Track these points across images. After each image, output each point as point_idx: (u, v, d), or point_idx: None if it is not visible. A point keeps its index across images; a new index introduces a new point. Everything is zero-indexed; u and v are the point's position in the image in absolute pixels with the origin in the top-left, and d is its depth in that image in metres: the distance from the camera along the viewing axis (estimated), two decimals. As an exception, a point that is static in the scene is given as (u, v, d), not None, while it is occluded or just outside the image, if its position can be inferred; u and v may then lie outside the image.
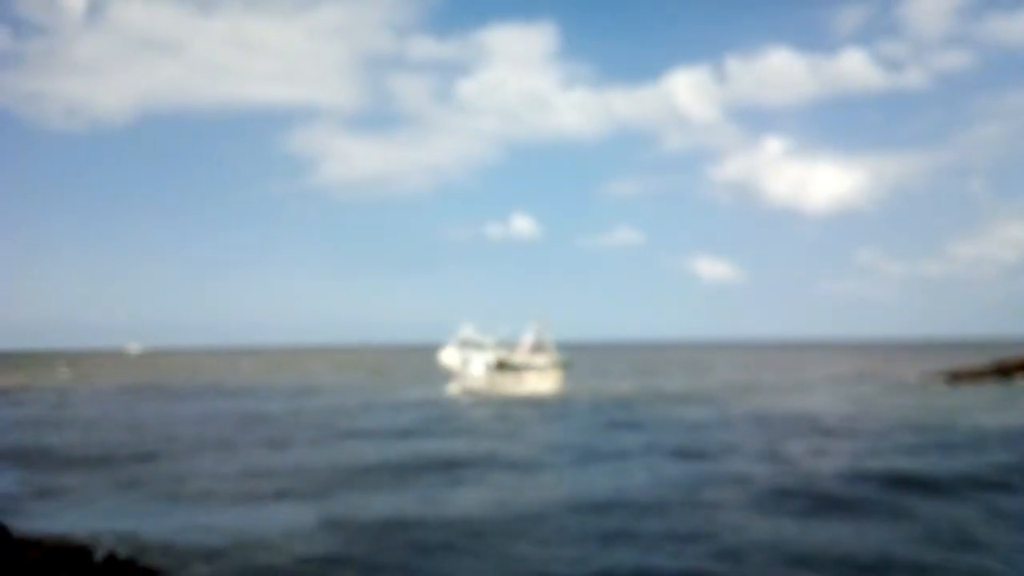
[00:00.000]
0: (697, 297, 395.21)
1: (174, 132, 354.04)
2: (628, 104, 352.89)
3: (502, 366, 67.70)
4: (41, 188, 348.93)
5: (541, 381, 66.54)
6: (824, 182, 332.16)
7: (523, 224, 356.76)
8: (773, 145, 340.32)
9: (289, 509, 22.87)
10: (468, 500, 23.90)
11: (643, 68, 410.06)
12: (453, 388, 67.87)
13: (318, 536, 19.58)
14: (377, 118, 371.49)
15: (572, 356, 74.49)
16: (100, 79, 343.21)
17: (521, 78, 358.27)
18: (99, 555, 16.06)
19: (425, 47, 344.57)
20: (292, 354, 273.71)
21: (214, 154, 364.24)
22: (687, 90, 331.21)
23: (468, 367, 69.48)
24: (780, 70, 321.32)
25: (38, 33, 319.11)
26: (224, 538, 19.12)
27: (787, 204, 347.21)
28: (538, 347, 69.34)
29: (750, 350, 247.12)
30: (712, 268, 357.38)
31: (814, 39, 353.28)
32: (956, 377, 76.97)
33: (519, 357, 68.45)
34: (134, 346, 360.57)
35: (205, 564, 17.01)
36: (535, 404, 54.85)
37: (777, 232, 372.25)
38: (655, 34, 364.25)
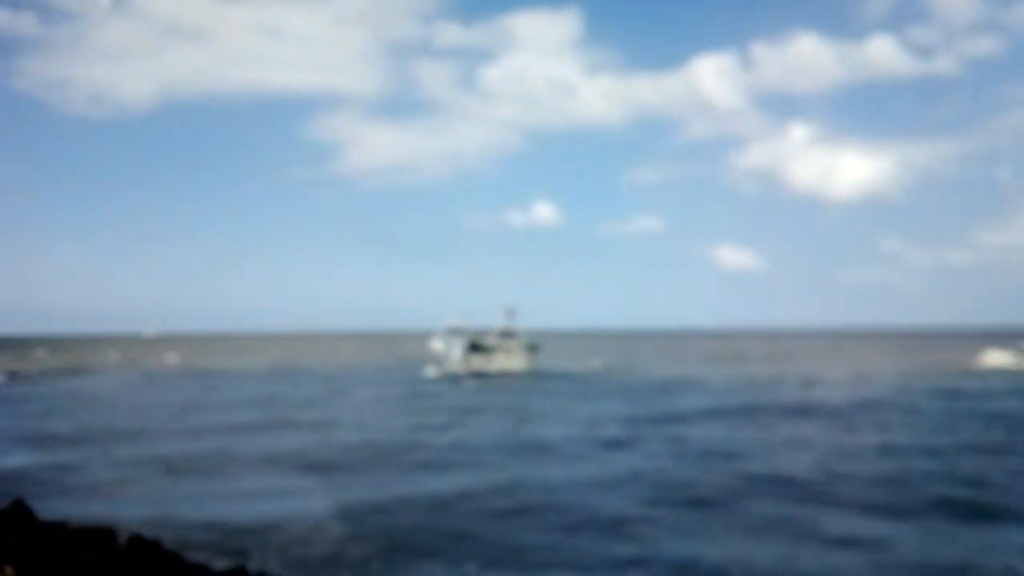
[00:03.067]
0: (718, 285, 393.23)
1: (198, 118, 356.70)
2: (652, 91, 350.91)
3: (475, 348, 77.68)
4: (65, 173, 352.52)
5: (508, 360, 76.34)
6: (850, 169, 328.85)
7: (545, 211, 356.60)
8: (799, 132, 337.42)
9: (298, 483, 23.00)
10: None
11: (668, 54, 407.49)
12: (431, 371, 76.06)
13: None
14: (400, 105, 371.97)
15: (541, 341, 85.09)
16: (125, 65, 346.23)
17: (545, 65, 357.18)
18: (124, 538, 16.12)
19: (451, 34, 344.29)
20: (314, 340, 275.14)
21: (237, 140, 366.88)
22: (712, 76, 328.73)
23: (450, 352, 78.53)
24: (807, 56, 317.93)
25: (65, 19, 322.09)
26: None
27: (812, 192, 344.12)
28: (507, 333, 79.10)
29: (773, 339, 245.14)
30: (734, 256, 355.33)
31: (842, 25, 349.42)
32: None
33: (490, 340, 78.38)
34: (148, 331, 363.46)
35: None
36: (489, 377, 66.25)
37: (801, 220, 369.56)
38: (681, 20, 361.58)
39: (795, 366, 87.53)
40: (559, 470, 26.65)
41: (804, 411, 43.18)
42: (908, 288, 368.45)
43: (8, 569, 12.52)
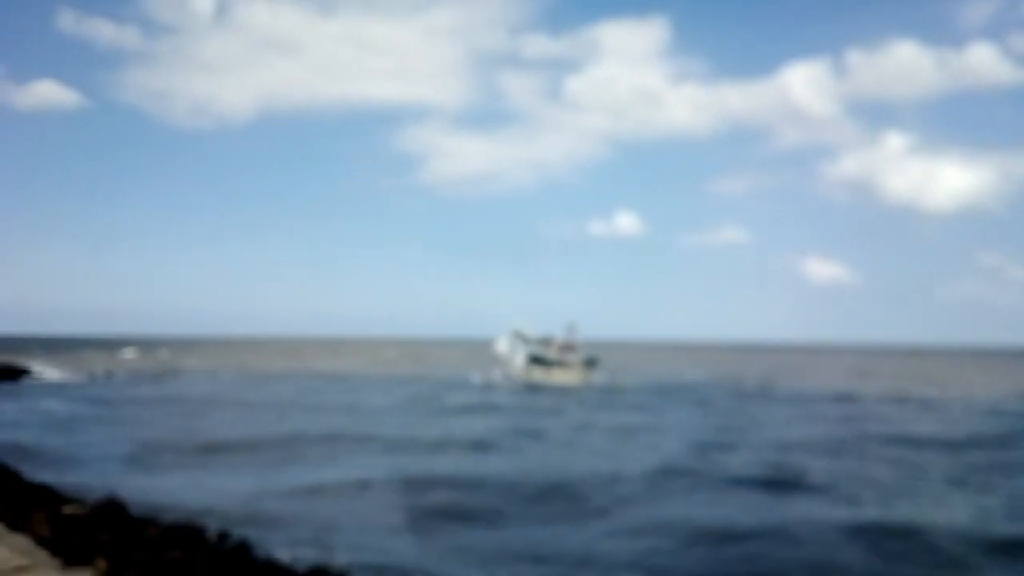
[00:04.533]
0: (806, 299, 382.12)
1: (292, 129, 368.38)
2: (741, 99, 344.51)
3: (537, 361, 79.62)
4: (169, 183, 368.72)
5: (565, 375, 78.29)
6: (948, 180, 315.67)
7: (627, 221, 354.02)
8: (894, 141, 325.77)
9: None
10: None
11: (758, 62, 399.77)
12: (497, 374, 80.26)
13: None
14: (486, 115, 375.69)
15: (600, 355, 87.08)
16: (224, 78, 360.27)
17: (631, 74, 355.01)
18: (211, 534, 16.46)
19: (538, 45, 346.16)
20: (398, 345, 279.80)
21: (328, 151, 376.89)
22: (804, 84, 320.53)
23: (514, 357, 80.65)
24: (904, 63, 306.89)
25: (168, 33, 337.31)
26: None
27: (908, 203, 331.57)
28: (568, 346, 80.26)
29: (865, 355, 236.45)
30: (824, 269, 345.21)
31: (940, 32, 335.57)
32: None
33: (551, 354, 79.76)
34: (238, 333, 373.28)
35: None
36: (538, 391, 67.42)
37: (896, 232, 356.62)
38: (772, 27, 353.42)
39: (938, 387, 79.40)
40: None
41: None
42: (1009, 304, 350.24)
43: (101, 562, 12.85)
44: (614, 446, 33.91)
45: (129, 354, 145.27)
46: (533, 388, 71.62)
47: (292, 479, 25.47)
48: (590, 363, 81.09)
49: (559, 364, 79.28)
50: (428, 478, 25.13)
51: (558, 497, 22.75)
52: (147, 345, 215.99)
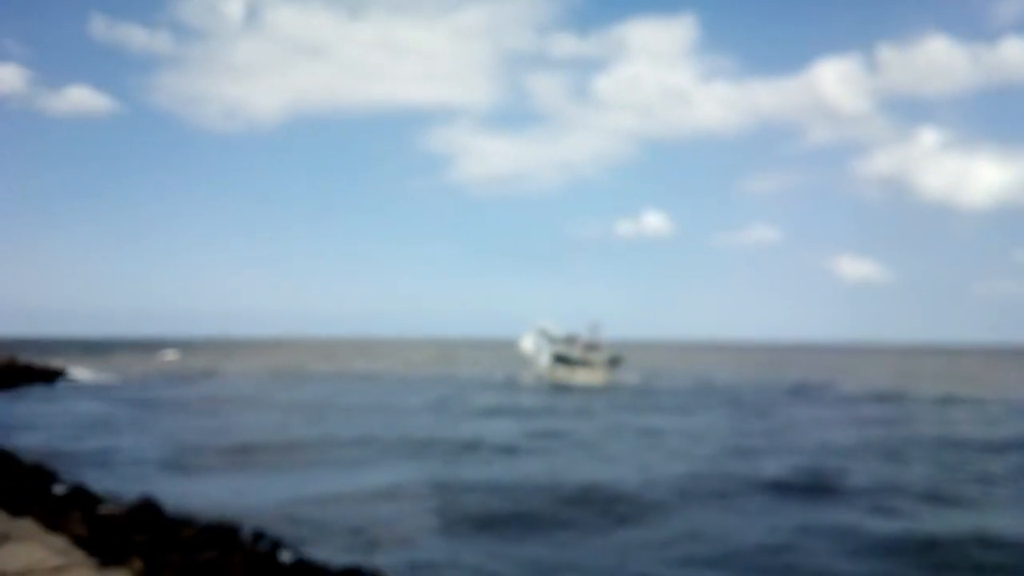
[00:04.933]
0: (839, 298, 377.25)
1: (321, 131, 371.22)
2: (771, 96, 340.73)
3: (561, 360, 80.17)
4: (202, 187, 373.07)
5: (589, 374, 77.86)
6: (984, 176, 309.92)
7: (655, 221, 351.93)
8: (928, 137, 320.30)
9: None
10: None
11: (788, 59, 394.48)
12: (524, 375, 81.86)
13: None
14: (513, 116, 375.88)
15: (624, 354, 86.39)
16: (255, 81, 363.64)
17: (659, 72, 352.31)
18: (246, 534, 16.39)
19: (566, 44, 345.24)
20: (426, 345, 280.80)
21: (357, 152, 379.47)
22: (835, 80, 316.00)
23: (539, 357, 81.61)
24: (937, 59, 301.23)
25: (199, 37, 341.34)
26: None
27: (942, 200, 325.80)
28: (592, 345, 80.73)
29: (899, 354, 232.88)
30: (856, 267, 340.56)
31: (974, 26, 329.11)
32: None
33: (575, 352, 80.00)
34: (264, 335, 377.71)
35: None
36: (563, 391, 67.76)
37: (930, 229, 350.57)
38: (802, 23, 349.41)
39: (978, 386, 75.67)
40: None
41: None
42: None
43: (136, 562, 12.78)
44: (644, 450, 33.25)
45: (169, 356, 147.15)
46: (558, 388, 71.75)
47: (325, 482, 25.44)
48: (614, 362, 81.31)
49: (583, 363, 79.42)
50: (459, 483, 24.88)
51: (590, 504, 22.22)
52: (186, 347, 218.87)
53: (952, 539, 18.77)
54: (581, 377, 77.56)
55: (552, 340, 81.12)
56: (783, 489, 24.55)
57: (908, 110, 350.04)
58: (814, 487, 24.93)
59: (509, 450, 32.77)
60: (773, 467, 28.17)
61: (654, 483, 25.22)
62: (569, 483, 24.87)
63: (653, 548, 18.14)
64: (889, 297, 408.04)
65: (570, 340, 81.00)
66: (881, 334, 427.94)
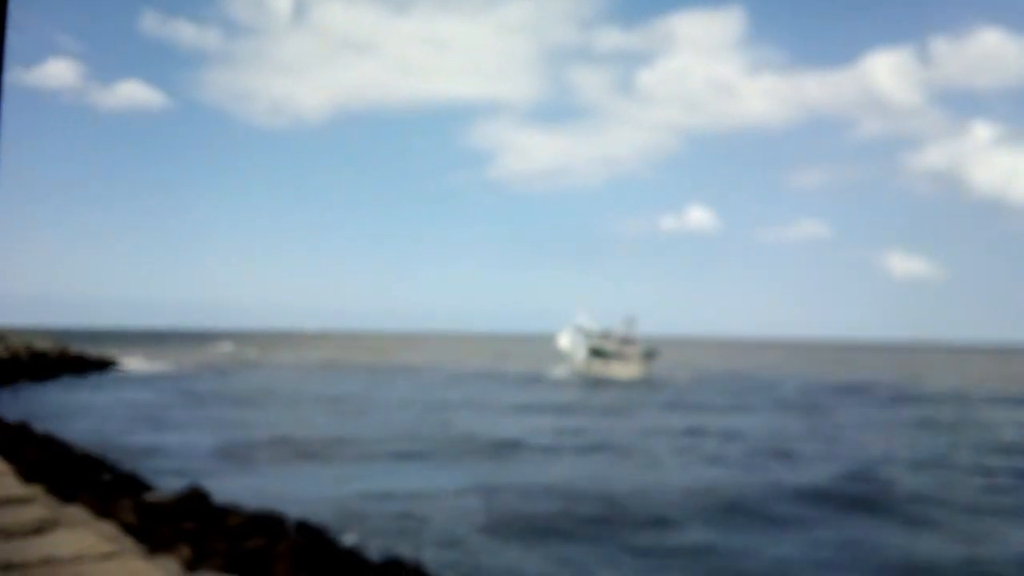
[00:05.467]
0: (888, 295, 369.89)
1: (366, 128, 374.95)
2: (820, 89, 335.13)
3: (596, 353, 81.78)
4: (249, 181, 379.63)
5: (623, 368, 79.41)
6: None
7: (700, 216, 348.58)
8: (981, 131, 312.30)
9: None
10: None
11: (838, 51, 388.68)
12: (561, 370, 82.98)
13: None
14: (556, 111, 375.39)
15: (658, 347, 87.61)
16: (302, 77, 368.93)
17: (705, 66, 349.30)
18: (290, 523, 16.51)
19: (610, 38, 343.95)
20: (469, 340, 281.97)
21: (401, 148, 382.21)
22: (887, 73, 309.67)
23: (575, 352, 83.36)
24: (992, 51, 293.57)
25: (248, 34, 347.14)
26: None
27: (995, 195, 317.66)
28: (627, 339, 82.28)
29: (951, 353, 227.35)
30: (906, 264, 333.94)
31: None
32: None
33: (610, 346, 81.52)
34: (310, 328, 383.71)
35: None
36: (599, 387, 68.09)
37: (983, 225, 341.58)
38: (853, 15, 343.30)
39: None
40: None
41: None
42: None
43: (184, 549, 12.91)
44: (682, 454, 32.04)
45: (225, 347, 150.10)
46: (594, 382, 72.24)
47: (368, 479, 25.51)
48: (649, 355, 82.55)
49: (618, 356, 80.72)
50: (501, 484, 24.49)
51: (630, 513, 21.37)
52: (241, 339, 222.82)
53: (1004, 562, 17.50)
54: (616, 370, 78.87)
55: (588, 335, 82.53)
56: (826, 499, 23.46)
57: (961, 103, 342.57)
58: (861, 498, 23.74)
59: (549, 450, 32.42)
60: (815, 474, 27.10)
61: (690, 491, 24.39)
62: (608, 489, 24.32)
63: (686, 559, 17.62)
64: (940, 295, 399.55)
65: (605, 335, 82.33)
66: (932, 333, 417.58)
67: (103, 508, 14.71)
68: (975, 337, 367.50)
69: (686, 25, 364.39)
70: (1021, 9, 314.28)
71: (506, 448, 32.37)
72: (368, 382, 69.83)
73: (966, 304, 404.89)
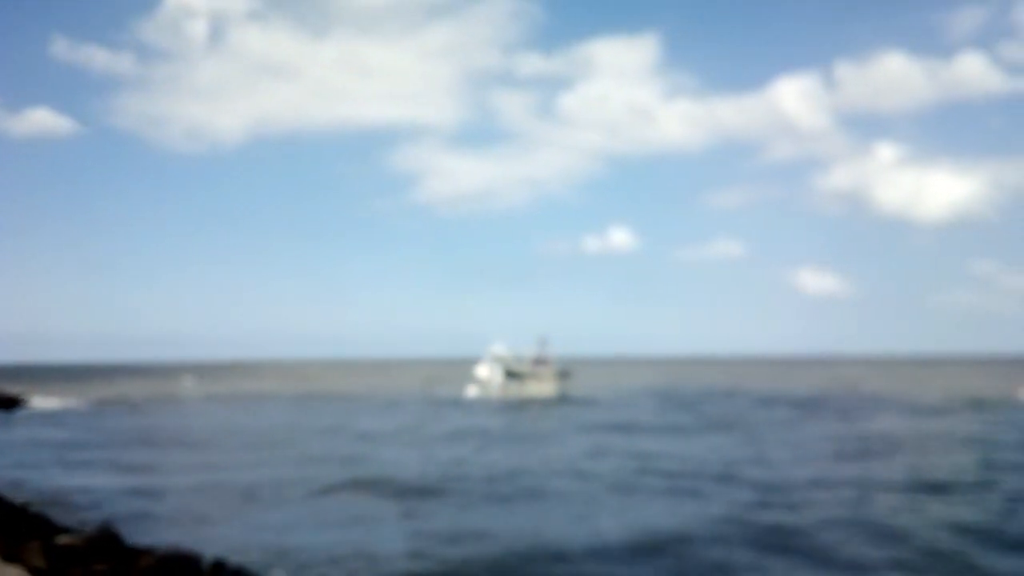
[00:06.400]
0: (801, 311, 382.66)
1: (286, 152, 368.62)
2: (732, 114, 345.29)
3: (511, 374, 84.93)
4: (164, 207, 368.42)
5: (539, 386, 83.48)
6: (940, 190, 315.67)
7: (621, 237, 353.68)
8: (885, 152, 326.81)
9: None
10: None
11: (749, 76, 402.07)
12: (472, 392, 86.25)
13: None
14: (480, 134, 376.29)
15: (570, 367, 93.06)
16: (219, 102, 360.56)
17: (624, 90, 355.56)
18: (206, 562, 16.57)
19: (531, 63, 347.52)
20: (394, 366, 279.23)
21: (323, 173, 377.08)
22: (795, 97, 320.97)
23: (493, 379, 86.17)
24: (894, 75, 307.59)
25: (163, 58, 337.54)
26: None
27: (899, 214, 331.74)
28: (540, 360, 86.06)
29: (860, 366, 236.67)
30: (817, 281, 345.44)
31: (929, 43, 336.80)
32: None
33: (524, 367, 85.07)
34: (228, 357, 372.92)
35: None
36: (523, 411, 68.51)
37: (888, 243, 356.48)
38: (761, 42, 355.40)
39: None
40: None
41: None
42: (1002, 313, 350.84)
43: (96, 592, 12.95)
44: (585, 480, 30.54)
45: (187, 381, 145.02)
46: (514, 405, 73.82)
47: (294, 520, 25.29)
48: (563, 375, 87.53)
49: (532, 376, 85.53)
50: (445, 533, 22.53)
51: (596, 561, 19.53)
52: (132, 372, 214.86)
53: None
54: (531, 390, 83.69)
55: (504, 362, 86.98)
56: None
57: (866, 126, 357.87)
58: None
59: (490, 491, 29.16)
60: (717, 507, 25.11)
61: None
62: (563, 541, 21.36)
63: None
64: (849, 309, 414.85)
65: (518, 358, 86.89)
66: (841, 346, 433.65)
67: (11, 551, 14.58)
68: (883, 349, 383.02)
69: (604, 51, 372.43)
70: (923, 33, 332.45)
71: (448, 489, 29.27)
72: (286, 414, 68.70)
73: (873, 318, 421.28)
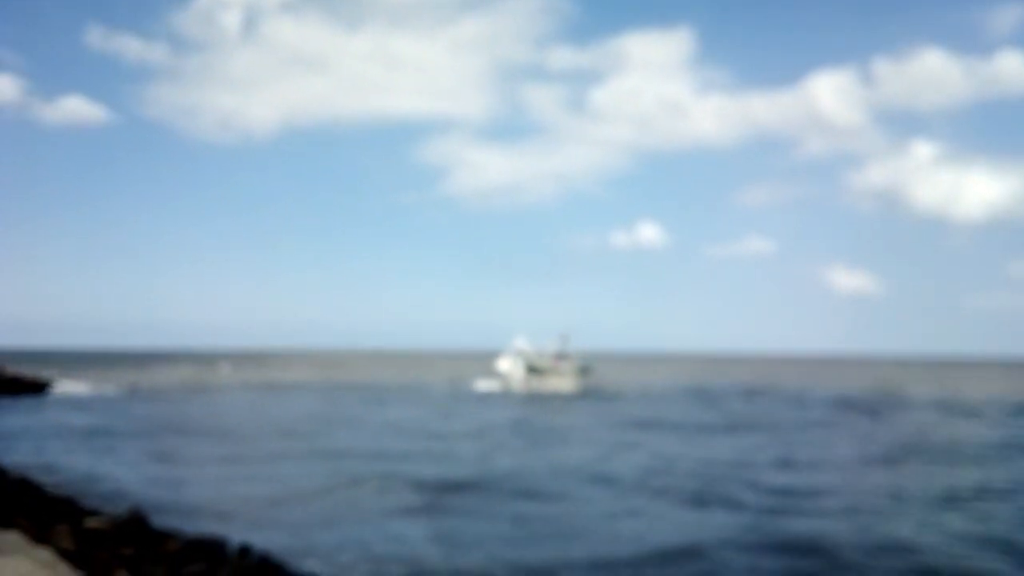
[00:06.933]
0: (832, 310, 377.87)
1: (316, 144, 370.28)
2: (766, 109, 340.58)
3: (532, 370, 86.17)
4: (196, 197, 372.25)
5: (559, 381, 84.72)
6: (977, 189, 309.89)
7: (650, 233, 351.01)
8: (922, 150, 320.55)
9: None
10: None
11: (784, 72, 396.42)
12: (489, 384, 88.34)
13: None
14: (509, 128, 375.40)
15: (595, 363, 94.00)
16: (251, 93, 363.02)
17: (656, 85, 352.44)
18: (232, 548, 16.46)
19: (563, 57, 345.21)
20: (419, 358, 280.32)
21: (353, 165, 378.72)
22: (830, 93, 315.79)
23: (514, 372, 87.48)
24: (932, 72, 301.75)
25: (196, 49, 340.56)
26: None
27: (936, 213, 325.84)
28: (561, 355, 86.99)
29: (891, 366, 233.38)
30: (849, 279, 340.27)
31: (968, 40, 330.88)
32: None
33: (544, 363, 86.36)
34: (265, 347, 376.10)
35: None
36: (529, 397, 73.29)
37: (923, 242, 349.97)
38: (797, 37, 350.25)
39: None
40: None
41: None
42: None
43: (122, 574, 12.87)
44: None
45: (224, 369, 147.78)
46: (534, 399, 74.06)
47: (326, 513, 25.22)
48: (584, 371, 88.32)
49: (553, 371, 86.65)
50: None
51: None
52: (191, 359, 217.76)
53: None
54: (552, 384, 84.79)
55: (525, 356, 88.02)
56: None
57: (902, 123, 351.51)
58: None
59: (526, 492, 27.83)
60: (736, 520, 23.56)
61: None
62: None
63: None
64: (882, 309, 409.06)
65: (540, 353, 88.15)
66: (874, 346, 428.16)
67: (40, 534, 14.56)
68: (915, 350, 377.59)
69: (637, 45, 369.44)
70: (962, 30, 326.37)
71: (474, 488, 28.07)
72: (315, 404, 69.10)
73: (907, 318, 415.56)
